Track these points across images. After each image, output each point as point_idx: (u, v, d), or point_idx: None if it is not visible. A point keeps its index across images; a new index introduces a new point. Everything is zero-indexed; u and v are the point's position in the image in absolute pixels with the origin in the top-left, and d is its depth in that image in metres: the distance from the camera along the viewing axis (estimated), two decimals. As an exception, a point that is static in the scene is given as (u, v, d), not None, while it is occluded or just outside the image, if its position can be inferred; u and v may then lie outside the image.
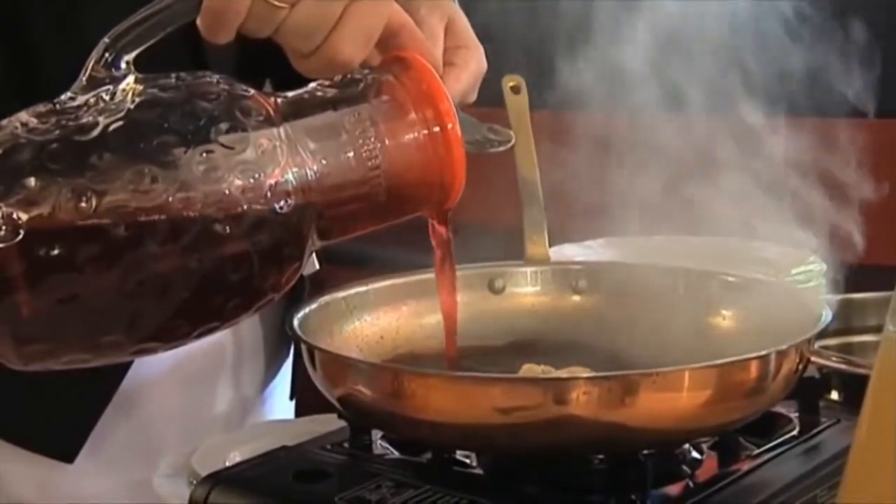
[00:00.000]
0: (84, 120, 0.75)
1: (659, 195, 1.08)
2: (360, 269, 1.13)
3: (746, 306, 1.02)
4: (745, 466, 0.92)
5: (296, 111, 0.81)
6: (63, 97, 0.78)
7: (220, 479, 0.92)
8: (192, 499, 0.91)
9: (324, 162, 0.80)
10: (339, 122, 0.82)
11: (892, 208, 1.29)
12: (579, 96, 1.06)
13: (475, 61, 1.00)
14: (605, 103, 1.06)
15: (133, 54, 0.79)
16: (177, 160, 0.75)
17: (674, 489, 0.90)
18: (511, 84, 1.09)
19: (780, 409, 0.97)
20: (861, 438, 0.70)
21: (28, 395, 1.09)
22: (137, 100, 0.77)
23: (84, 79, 0.78)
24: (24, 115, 0.76)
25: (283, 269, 0.80)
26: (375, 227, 0.86)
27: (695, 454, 0.94)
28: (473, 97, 1.00)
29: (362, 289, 1.06)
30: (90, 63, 0.78)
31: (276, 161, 0.78)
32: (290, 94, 0.83)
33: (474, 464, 0.94)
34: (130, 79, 0.78)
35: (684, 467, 0.92)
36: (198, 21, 0.81)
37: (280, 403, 1.30)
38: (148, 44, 0.79)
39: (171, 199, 0.75)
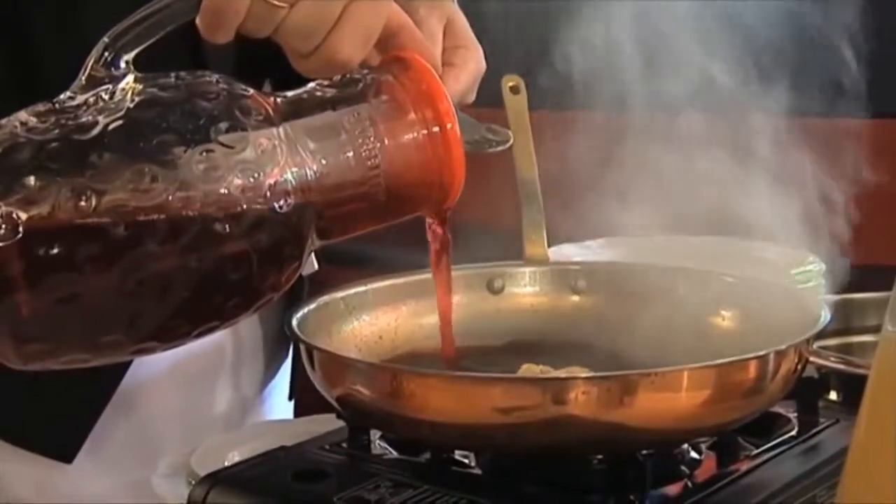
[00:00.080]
0: (83, 119, 0.75)
1: (658, 195, 1.08)
2: (359, 270, 1.13)
3: (745, 306, 1.02)
4: (744, 466, 0.92)
5: (295, 111, 0.81)
6: (62, 96, 0.78)
7: (219, 478, 0.92)
8: (191, 499, 0.91)
9: (323, 162, 0.80)
10: (338, 121, 0.82)
11: (892, 208, 1.30)
12: (579, 96, 1.06)
13: (474, 61, 1.00)
14: (605, 103, 1.06)
15: (132, 54, 0.79)
16: (176, 159, 0.75)
17: (672, 489, 0.90)
18: (510, 84, 1.09)
19: (778, 409, 0.97)
20: (859, 438, 0.70)
21: (27, 395, 1.09)
22: (137, 99, 0.77)
23: (83, 78, 0.78)
24: (23, 115, 0.76)
25: (283, 268, 0.80)
26: (375, 226, 0.86)
27: (693, 454, 0.94)
28: (472, 97, 1.00)
29: (361, 289, 1.06)
30: (89, 62, 0.78)
31: (275, 160, 0.78)
32: (290, 93, 0.83)
33: (473, 464, 0.94)
34: (130, 78, 0.78)
35: (683, 467, 0.92)
36: (197, 20, 0.81)
37: (279, 403, 1.30)
38: (147, 43, 0.79)
39: (170, 198, 0.75)
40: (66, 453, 1.14)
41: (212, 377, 1.22)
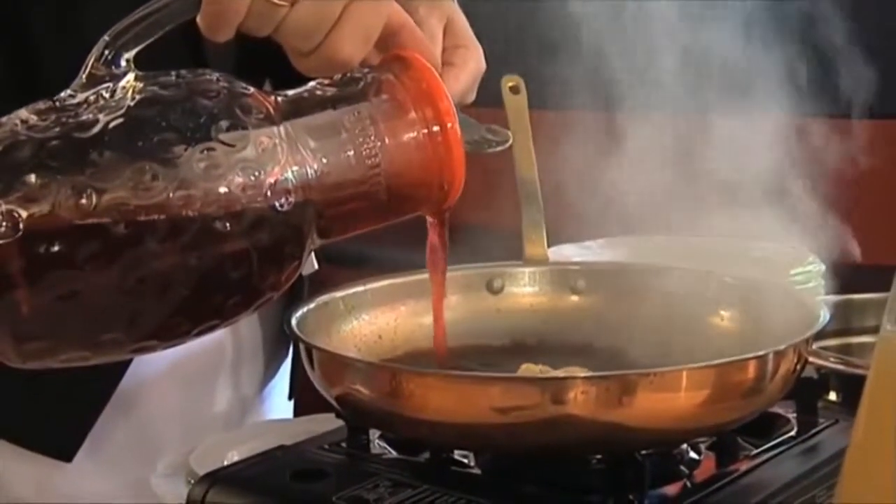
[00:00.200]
0: (84, 117, 0.75)
1: (658, 195, 1.08)
2: (359, 270, 1.13)
3: (745, 307, 1.02)
4: (743, 467, 0.92)
5: (296, 110, 0.81)
6: (63, 94, 0.78)
7: (218, 478, 0.92)
8: (190, 498, 0.91)
9: (324, 160, 0.80)
10: (338, 120, 0.82)
11: (892, 209, 1.30)
12: (578, 96, 1.06)
13: (474, 61, 1.00)
14: (605, 103, 1.06)
15: (133, 52, 0.79)
16: (177, 158, 0.75)
17: (671, 489, 0.90)
18: (510, 84, 1.09)
19: (778, 409, 0.97)
20: (858, 439, 0.70)
21: (27, 394, 1.09)
22: (137, 97, 0.77)
23: (84, 76, 0.78)
24: (23, 113, 0.76)
25: (283, 267, 0.80)
26: (375, 225, 0.86)
27: (693, 454, 0.94)
28: (472, 97, 1.00)
29: (360, 288, 1.06)
30: (90, 60, 0.78)
31: (276, 159, 0.78)
32: (290, 92, 0.83)
33: (472, 463, 0.94)
34: (130, 76, 0.78)
35: (682, 467, 0.92)
36: (198, 19, 0.81)
37: (279, 403, 1.30)
38: (148, 41, 0.79)
39: (171, 196, 0.75)
40: (65, 452, 1.14)
41: (211, 377, 1.22)
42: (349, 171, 0.81)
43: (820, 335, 0.95)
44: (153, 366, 1.17)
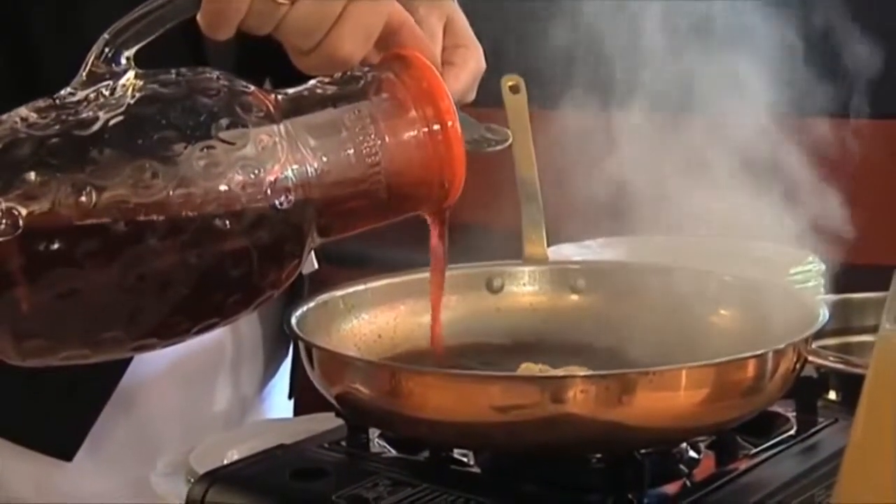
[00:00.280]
0: (84, 115, 0.75)
1: (657, 195, 1.08)
2: (359, 269, 1.13)
3: (744, 306, 1.02)
4: (743, 466, 0.92)
5: (296, 108, 0.81)
6: (63, 92, 0.78)
7: (218, 477, 0.92)
8: (190, 497, 0.91)
9: (324, 159, 0.80)
10: (339, 119, 0.82)
11: (891, 208, 1.30)
12: (579, 96, 1.06)
13: (474, 60, 1.00)
14: (604, 102, 1.06)
15: (133, 50, 0.79)
16: (177, 156, 0.75)
17: (671, 488, 0.90)
18: (510, 83, 1.09)
19: (777, 408, 0.97)
20: (857, 438, 0.70)
21: (27, 393, 1.09)
22: (137, 95, 0.77)
23: (84, 74, 0.78)
24: (23, 110, 0.76)
25: (283, 265, 0.80)
26: (375, 224, 0.86)
27: (692, 453, 0.94)
28: (472, 96, 1.00)
29: (360, 287, 1.06)
30: (90, 58, 0.78)
31: (276, 157, 0.78)
32: (291, 90, 0.83)
33: (472, 462, 0.94)
34: (130, 74, 0.78)
35: (681, 466, 0.92)
36: (198, 17, 0.81)
37: (279, 402, 1.30)
38: (148, 39, 0.79)
39: (170, 194, 0.75)
40: (65, 451, 1.14)
41: (211, 376, 1.22)
42: (349, 170, 0.82)
43: (819, 334, 0.95)
44: (153, 365, 1.17)
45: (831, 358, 1.05)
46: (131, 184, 0.74)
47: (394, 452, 0.96)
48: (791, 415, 0.98)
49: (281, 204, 0.78)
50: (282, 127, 0.79)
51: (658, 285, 1.05)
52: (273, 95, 0.81)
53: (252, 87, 0.80)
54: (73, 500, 1.15)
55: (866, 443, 0.70)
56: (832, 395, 1.04)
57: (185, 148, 0.76)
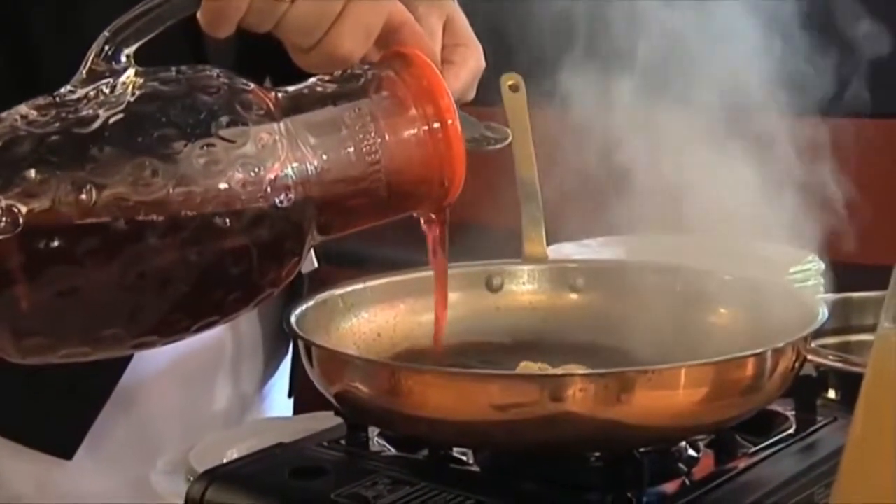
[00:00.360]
0: (84, 113, 0.75)
1: (657, 194, 1.08)
2: (358, 269, 1.13)
3: (743, 305, 1.02)
4: (742, 464, 0.92)
5: (296, 106, 0.81)
6: (63, 90, 0.78)
7: (217, 475, 0.92)
8: (189, 495, 0.91)
9: (324, 157, 0.80)
10: (339, 117, 0.82)
11: (892, 207, 1.30)
12: (578, 94, 1.06)
13: (474, 59, 1.00)
14: (604, 101, 1.06)
15: (133, 48, 0.79)
16: (177, 153, 0.75)
17: (670, 487, 0.90)
18: (509, 82, 1.09)
19: (776, 407, 0.97)
20: (856, 437, 0.70)
21: (27, 391, 1.10)
22: (138, 93, 0.77)
23: (84, 72, 0.78)
24: (23, 108, 0.76)
25: (283, 263, 0.80)
26: (375, 222, 0.86)
27: (691, 452, 0.94)
28: (472, 95, 1.00)
29: (359, 286, 1.06)
30: (90, 56, 0.78)
31: (276, 155, 0.78)
32: (291, 88, 0.83)
33: (471, 461, 0.94)
34: (131, 72, 0.78)
35: (681, 465, 0.92)
36: (198, 15, 0.81)
37: (279, 401, 1.30)
38: (148, 37, 0.79)
39: (170, 192, 0.75)
40: (65, 450, 1.14)
41: (211, 375, 1.23)
42: (349, 168, 0.82)
43: (819, 333, 0.95)
44: (153, 364, 1.17)
45: (830, 357, 1.05)
46: (131, 182, 0.74)
47: (393, 451, 0.96)
48: (790, 413, 0.98)
49: (281, 202, 0.78)
50: (282, 125, 0.79)
51: (657, 284, 1.06)
52: (273, 93, 0.81)
53: (252, 85, 0.80)
54: (73, 499, 1.15)
55: (865, 442, 0.70)
56: (831, 393, 1.04)
57: (186, 146, 0.76)
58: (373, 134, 0.82)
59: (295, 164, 0.79)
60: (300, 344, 0.94)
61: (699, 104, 1.07)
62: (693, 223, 1.12)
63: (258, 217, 0.77)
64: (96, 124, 0.75)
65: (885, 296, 0.69)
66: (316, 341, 0.94)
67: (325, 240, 0.84)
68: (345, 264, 1.26)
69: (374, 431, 0.97)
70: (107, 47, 0.78)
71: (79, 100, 0.76)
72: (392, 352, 1.05)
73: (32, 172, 0.73)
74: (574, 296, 1.11)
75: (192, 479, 0.94)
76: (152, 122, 0.76)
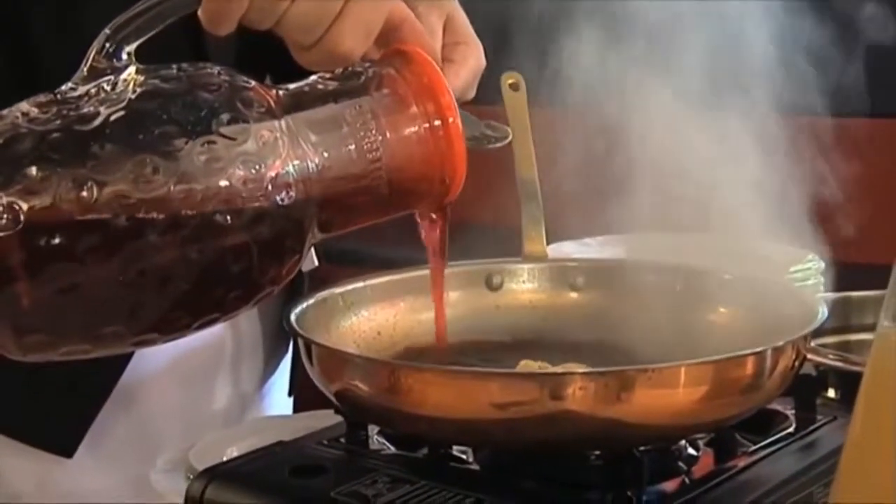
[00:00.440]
0: (85, 110, 0.76)
1: (657, 193, 1.08)
2: (359, 267, 1.13)
3: (743, 303, 1.02)
4: (742, 463, 0.92)
5: (297, 103, 0.82)
6: (64, 87, 0.78)
7: (217, 473, 0.92)
8: (189, 494, 0.91)
9: (325, 154, 0.81)
10: (340, 114, 0.82)
11: (891, 207, 1.30)
12: (578, 93, 1.06)
13: (474, 58, 1.00)
14: (604, 100, 1.06)
15: (134, 45, 0.79)
16: (178, 151, 0.75)
17: (670, 485, 0.90)
18: (510, 81, 1.09)
19: (776, 406, 0.97)
20: (855, 436, 0.70)
21: (27, 390, 1.10)
22: (139, 90, 0.77)
23: (85, 69, 0.78)
24: (24, 105, 0.76)
25: (284, 261, 0.80)
26: (376, 220, 0.86)
27: (691, 450, 0.94)
28: (472, 94, 1.00)
29: (359, 285, 1.06)
30: (91, 53, 0.78)
31: (277, 153, 0.78)
32: (292, 86, 0.83)
33: (470, 459, 0.94)
34: (132, 69, 0.78)
35: (680, 463, 0.92)
36: (199, 12, 0.81)
37: (279, 400, 1.30)
38: (149, 35, 0.79)
39: (171, 189, 0.75)
40: (66, 448, 1.14)
41: (211, 373, 1.23)
42: (350, 165, 0.82)
43: (818, 332, 0.95)
44: (153, 362, 1.17)
45: (830, 356, 1.05)
46: (132, 179, 0.74)
47: (393, 449, 0.96)
48: (790, 412, 0.98)
49: (282, 199, 0.78)
50: (283, 122, 0.79)
51: (657, 283, 1.06)
52: (274, 91, 0.81)
53: (253, 83, 0.80)
54: (73, 497, 1.15)
55: (864, 441, 0.70)
56: (831, 392, 1.04)
57: (186, 143, 0.76)
58: (374, 131, 0.82)
59: (296, 162, 0.79)
60: (300, 342, 0.94)
61: (699, 104, 1.07)
62: (693, 222, 1.12)
63: (259, 214, 0.77)
64: (97, 121, 0.75)
65: (885, 295, 0.69)
66: (316, 339, 0.94)
67: (326, 237, 0.84)
68: (345, 263, 1.26)
69: (373, 430, 0.97)
70: (108, 45, 0.78)
71: (80, 97, 0.77)
72: (392, 350, 1.05)
73: (34, 169, 0.73)
74: (574, 294, 1.11)
75: (192, 477, 0.94)
76: (153, 119, 0.76)
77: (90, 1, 1.03)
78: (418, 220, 0.91)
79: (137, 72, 0.78)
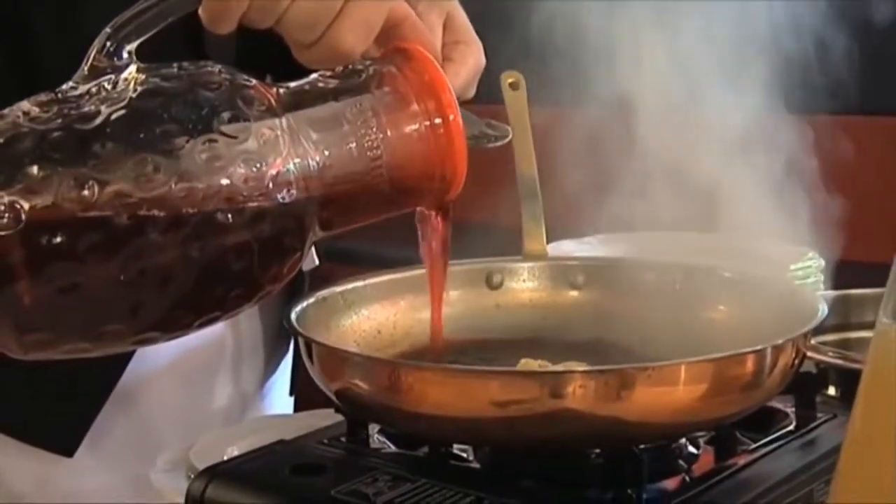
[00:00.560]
0: (86, 109, 0.76)
1: (656, 192, 1.08)
2: (359, 266, 1.13)
3: (743, 302, 1.02)
4: (742, 461, 0.92)
5: (298, 102, 0.82)
6: (65, 86, 0.78)
7: (217, 472, 0.92)
8: (190, 493, 0.91)
9: (326, 152, 0.81)
10: (340, 112, 0.82)
11: (891, 205, 1.30)
12: (578, 92, 1.07)
13: (473, 57, 1.00)
14: (604, 99, 1.06)
15: (135, 44, 0.79)
16: (179, 149, 0.76)
17: (670, 483, 0.90)
18: (510, 80, 1.09)
19: (776, 403, 0.97)
20: (854, 433, 0.70)
21: (28, 389, 1.10)
22: (139, 89, 0.77)
23: (86, 68, 0.78)
24: (25, 104, 0.76)
25: (285, 259, 0.80)
26: (377, 218, 0.86)
27: (691, 448, 0.94)
28: (472, 93, 1.00)
29: (359, 283, 1.06)
30: (92, 52, 0.79)
31: (277, 151, 0.78)
32: (292, 84, 0.83)
33: (471, 458, 0.94)
34: (132, 68, 0.78)
35: (680, 462, 0.92)
36: (200, 11, 0.82)
37: (280, 399, 1.30)
38: (150, 33, 0.79)
39: (172, 188, 0.75)
40: (66, 448, 1.14)
41: (212, 373, 1.23)
42: (351, 164, 0.82)
43: (819, 330, 0.95)
44: (154, 362, 1.17)
45: (830, 353, 1.05)
46: (133, 178, 0.74)
47: (393, 448, 0.96)
48: (790, 410, 0.98)
49: (283, 198, 0.78)
50: (283, 121, 0.80)
51: (657, 281, 1.06)
52: (275, 89, 0.81)
53: (254, 81, 0.81)
54: (73, 497, 1.15)
55: (864, 438, 0.69)
56: (831, 390, 1.04)
57: (187, 142, 0.76)
58: (374, 129, 0.82)
59: (297, 160, 0.79)
60: (300, 341, 0.94)
61: (699, 104, 1.07)
62: (693, 221, 1.12)
63: (260, 213, 0.78)
64: (98, 120, 0.75)
65: (884, 292, 0.69)
66: (316, 338, 0.94)
67: (327, 236, 0.84)
68: (346, 262, 1.26)
69: (374, 428, 0.97)
70: (108, 44, 0.78)
71: (81, 96, 0.77)
72: (392, 349, 1.05)
73: (35, 169, 0.74)
74: (574, 293, 1.11)
75: (192, 476, 0.94)
76: (154, 118, 0.76)
77: (90, 0, 1.03)
78: (418, 226, 0.92)
79: (138, 70, 0.78)
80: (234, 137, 0.77)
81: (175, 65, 0.79)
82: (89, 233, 0.74)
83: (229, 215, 0.77)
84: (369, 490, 0.87)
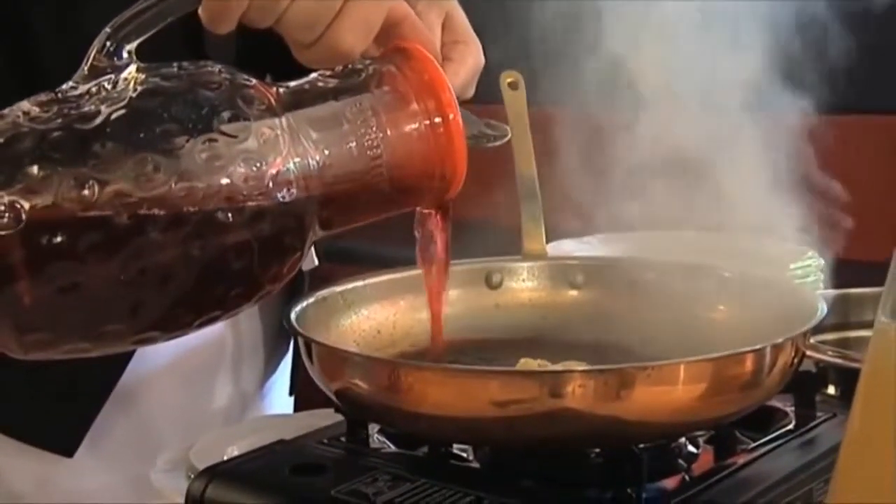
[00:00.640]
0: (86, 109, 0.76)
1: (656, 191, 1.08)
2: (359, 266, 1.13)
3: (743, 301, 1.02)
4: (741, 460, 0.92)
5: (297, 101, 0.82)
6: (65, 86, 0.78)
7: (217, 472, 0.92)
8: (190, 492, 0.91)
9: (326, 152, 0.81)
10: (340, 112, 0.82)
11: (890, 204, 1.30)
12: (578, 92, 1.07)
13: (473, 57, 1.00)
14: (604, 99, 1.06)
15: (135, 44, 0.79)
16: (179, 149, 0.76)
17: (670, 483, 0.90)
18: (509, 80, 1.09)
19: (776, 403, 0.97)
20: (853, 432, 0.70)
21: (28, 389, 1.10)
22: (139, 88, 0.77)
23: (86, 68, 0.78)
24: (25, 104, 0.77)
25: (285, 258, 0.80)
26: (377, 217, 0.86)
27: (691, 448, 0.94)
28: (471, 92, 1.00)
29: (359, 283, 1.06)
30: (92, 52, 0.79)
31: (277, 150, 0.78)
32: (292, 83, 0.83)
33: (471, 457, 0.94)
34: (132, 68, 0.78)
35: (680, 461, 0.93)
36: (199, 11, 0.82)
37: (280, 399, 1.30)
38: (150, 33, 0.79)
39: (172, 187, 0.75)
40: (66, 448, 1.14)
41: (212, 373, 1.23)
42: (351, 163, 0.82)
43: (818, 329, 0.95)
44: (154, 362, 1.17)
45: (830, 352, 1.05)
46: (133, 177, 0.74)
47: (393, 448, 0.96)
48: (790, 409, 0.98)
49: (283, 197, 0.78)
50: (283, 120, 0.80)
51: (657, 281, 1.06)
52: (275, 88, 0.81)
53: (254, 80, 0.81)
54: (73, 497, 1.15)
55: (863, 437, 0.69)
56: (831, 389, 1.04)
57: (187, 141, 0.76)
58: (374, 128, 0.82)
59: (297, 159, 0.79)
60: (300, 341, 0.94)
61: (699, 101, 1.07)
62: (693, 220, 1.12)
63: (260, 212, 0.78)
64: (98, 120, 0.75)
65: (883, 291, 0.69)
66: (316, 338, 0.94)
67: (327, 235, 0.84)
68: (345, 261, 1.26)
69: (374, 428, 0.97)
70: (108, 43, 0.78)
71: (81, 96, 0.77)
72: (392, 349, 1.05)
73: (35, 168, 0.74)
74: (574, 292, 1.11)
75: (192, 476, 0.94)
76: (154, 117, 0.76)
77: (90, 0, 1.03)
78: (416, 231, 0.92)
79: (138, 70, 0.78)
80: (234, 137, 0.77)
81: (175, 64, 0.79)
82: (89, 232, 0.74)
83: (229, 214, 0.77)
84: (369, 490, 0.87)
